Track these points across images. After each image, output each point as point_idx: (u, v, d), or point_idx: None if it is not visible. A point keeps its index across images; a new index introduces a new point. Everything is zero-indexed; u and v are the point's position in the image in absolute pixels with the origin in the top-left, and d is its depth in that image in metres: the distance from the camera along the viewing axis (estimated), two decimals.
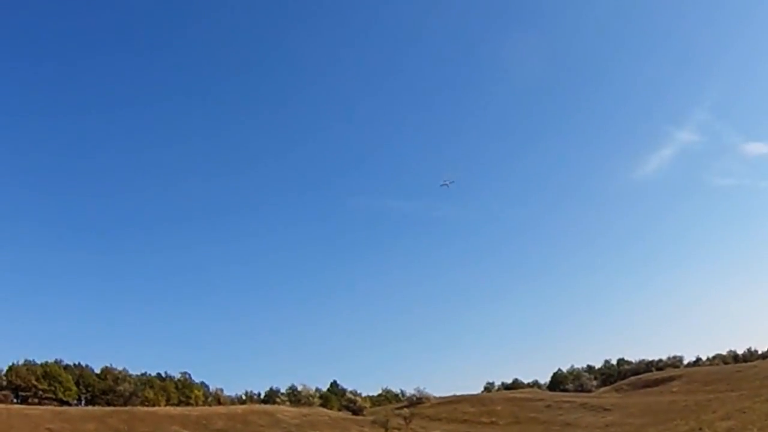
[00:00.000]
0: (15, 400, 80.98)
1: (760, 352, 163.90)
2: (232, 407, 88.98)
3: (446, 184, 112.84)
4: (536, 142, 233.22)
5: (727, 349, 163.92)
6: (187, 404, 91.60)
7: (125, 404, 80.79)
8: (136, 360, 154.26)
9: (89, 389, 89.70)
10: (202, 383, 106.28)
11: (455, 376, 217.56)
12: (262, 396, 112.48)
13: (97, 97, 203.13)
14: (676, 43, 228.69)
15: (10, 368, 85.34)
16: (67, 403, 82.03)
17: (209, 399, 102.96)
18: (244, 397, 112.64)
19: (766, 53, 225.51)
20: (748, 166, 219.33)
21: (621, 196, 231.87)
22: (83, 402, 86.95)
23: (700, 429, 37.72)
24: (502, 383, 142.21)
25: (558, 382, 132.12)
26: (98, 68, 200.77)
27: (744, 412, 45.17)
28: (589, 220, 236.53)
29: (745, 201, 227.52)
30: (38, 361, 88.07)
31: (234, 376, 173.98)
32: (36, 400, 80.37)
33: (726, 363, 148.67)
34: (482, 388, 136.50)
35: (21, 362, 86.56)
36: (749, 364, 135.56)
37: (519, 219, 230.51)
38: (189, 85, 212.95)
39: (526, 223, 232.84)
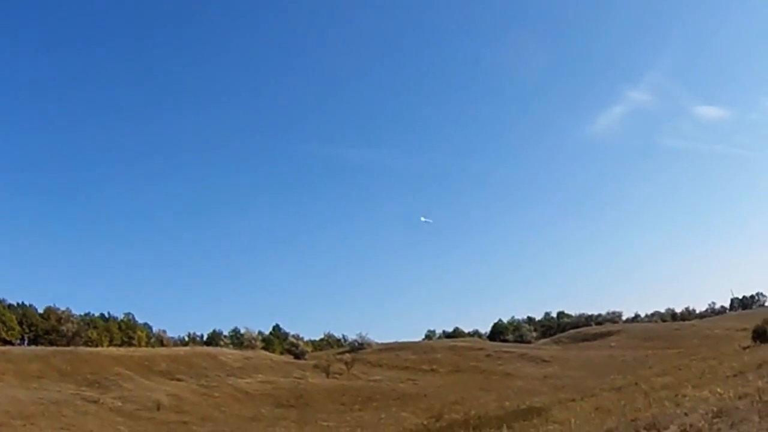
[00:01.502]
0: None
1: (698, 312, 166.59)
2: (175, 349, 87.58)
3: (427, 221, 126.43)
4: (495, 96, 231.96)
5: (666, 307, 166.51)
6: (130, 345, 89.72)
7: (68, 344, 78.76)
8: (80, 300, 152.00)
9: (32, 329, 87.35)
10: (146, 324, 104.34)
11: (397, 323, 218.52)
12: (204, 338, 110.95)
13: None
14: (635, 3, 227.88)
15: None
16: (10, 343, 79.94)
17: (152, 340, 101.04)
18: (187, 339, 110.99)
19: (723, 19, 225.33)
20: (701, 129, 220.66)
21: (571, 152, 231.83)
22: (26, 342, 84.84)
23: (637, 384, 36.91)
24: (444, 332, 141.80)
25: (498, 332, 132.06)
26: None
27: (680, 369, 44.64)
28: (540, 174, 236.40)
29: (695, 163, 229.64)
30: None
31: (177, 317, 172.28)
32: None
33: (664, 321, 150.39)
34: (424, 336, 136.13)
35: None
36: (687, 322, 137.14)
37: (471, 172, 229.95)
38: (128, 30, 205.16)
39: (477, 176, 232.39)
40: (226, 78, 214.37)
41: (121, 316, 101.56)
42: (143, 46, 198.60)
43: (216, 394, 60.58)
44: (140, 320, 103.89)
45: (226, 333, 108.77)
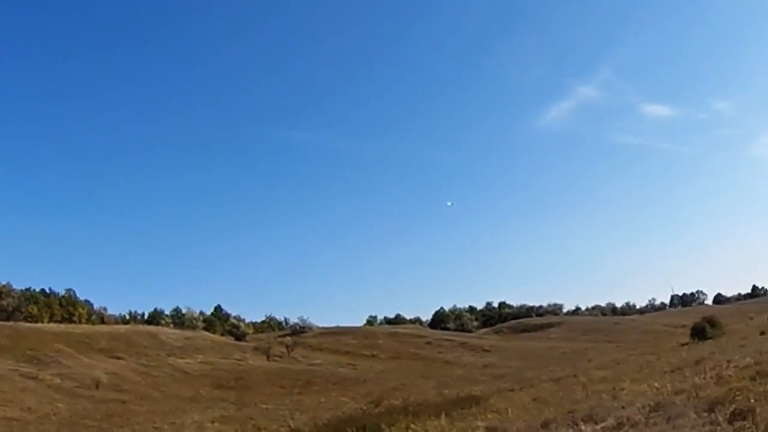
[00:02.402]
0: None
1: (638, 307, 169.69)
2: (116, 327, 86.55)
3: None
4: (447, 84, 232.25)
5: (607, 301, 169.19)
6: (71, 322, 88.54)
7: (8, 319, 77.26)
8: (20, 275, 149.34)
9: None
10: (87, 301, 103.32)
11: (339, 307, 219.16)
12: (145, 317, 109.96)
13: None
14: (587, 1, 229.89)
15: None
16: None
17: (93, 317, 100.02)
18: (128, 317, 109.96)
19: (675, 19, 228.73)
20: (649, 127, 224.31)
21: (519, 145, 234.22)
22: None
23: (575, 376, 37.24)
24: (385, 318, 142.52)
25: (440, 320, 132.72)
26: None
27: (619, 363, 45.21)
28: (487, 165, 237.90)
29: (641, 160, 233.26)
30: None
31: (118, 295, 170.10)
32: None
33: (604, 315, 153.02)
34: (365, 322, 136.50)
35: None
36: (628, 317, 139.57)
37: (420, 159, 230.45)
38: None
39: (425, 163, 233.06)
40: (169, 55, 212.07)
41: (62, 292, 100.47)
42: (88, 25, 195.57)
43: (155, 374, 59.93)
44: (81, 297, 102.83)
45: (167, 312, 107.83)
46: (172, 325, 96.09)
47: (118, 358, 63.76)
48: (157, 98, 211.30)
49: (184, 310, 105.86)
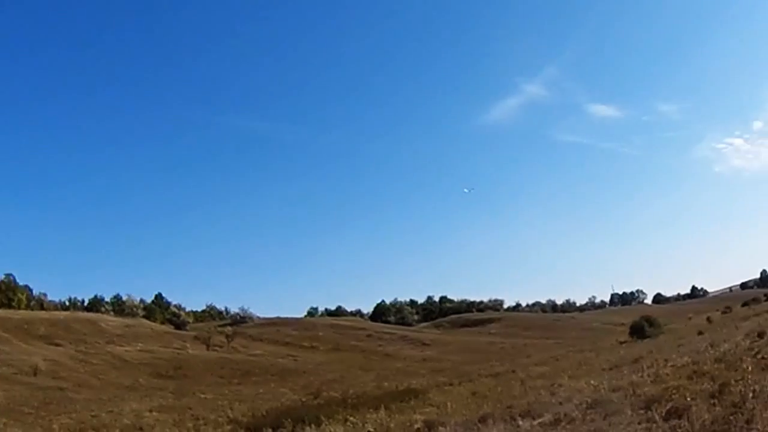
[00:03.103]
0: None
1: (578, 305, 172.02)
2: (55, 313, 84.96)
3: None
4: (391, 77, 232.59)
5: (547, 298, 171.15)
6: (10, 307, 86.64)
7: None
8: None
9: None
10: (26, 287, 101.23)
11: (280, 298, 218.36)
12: (85, 303, 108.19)
13: None
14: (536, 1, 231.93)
15: None
16: None
17: (32, 303, 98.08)
18: (67, 304, 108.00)
19: (623, 22, 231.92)
20: (593, 127, 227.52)
21: (465, 140, 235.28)
22: None
23: (514, 371, 37.55)
24: (326, 310, 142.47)
25: (381, 313, 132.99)
26: None
27: (558, 360, 45.69)
28: (433, 159, 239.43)
29: (585, 159, 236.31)
30: None
31: (58, 281, 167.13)
32: None
33: (545, 311, 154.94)
34: (306, 313, 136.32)
35: None
36: (567, 314, 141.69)
37: (368, 153, 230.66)
38: None
39: (367, 154, 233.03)
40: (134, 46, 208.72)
41: (1, 277, 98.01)
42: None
43: (94, 361, 59.10)
44: (21, 282, 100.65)
45: (108, 299, 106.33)
46: (112, 313, 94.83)
47: (57, 344, 62.74)
48: (97, 84, 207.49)
49: (124, 298, 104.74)
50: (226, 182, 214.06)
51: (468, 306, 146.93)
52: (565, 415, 13.56)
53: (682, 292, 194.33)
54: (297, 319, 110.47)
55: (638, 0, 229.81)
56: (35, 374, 49.46)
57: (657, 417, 11.24)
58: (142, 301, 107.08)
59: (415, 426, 16.88)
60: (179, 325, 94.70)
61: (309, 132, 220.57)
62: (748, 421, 9.23)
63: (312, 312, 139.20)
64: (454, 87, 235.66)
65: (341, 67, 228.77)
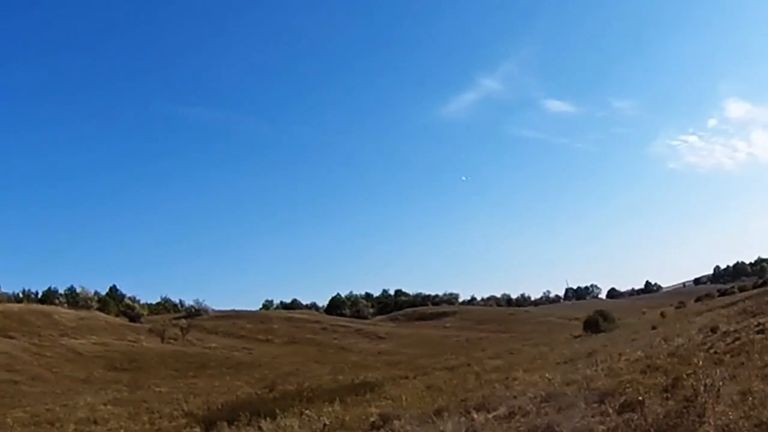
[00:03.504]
0: None
1: (533, 299, 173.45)
2: (8, 305, 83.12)
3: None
4: (365, 74, 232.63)
5: (502, 292, 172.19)
6: None
7: None
8: None
9: None
10: None
11: (235, 291, 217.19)
12: (39, 295, 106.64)
13: None
14: None
15: None
16: None
17: None
18: (21, 296, 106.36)
19: (581, 18, 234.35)
20: (549, 121, 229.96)
21: (422, 133, 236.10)
22: None
23: (469, 365, 37.77)
24: (281, 302, 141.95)
25: (336, 306, 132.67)
26: None
27: (512, 354, 46.03)
28: (389, 151, 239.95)
29: (540, 154, 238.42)
30: None
31: (11, 273, 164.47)
32: None
33: (500, 305, 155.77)
34: (261, 306, 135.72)
35: None
36: (522, 308, 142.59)
37: (322, 144, 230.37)
38: None
39: (324, 147, 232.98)
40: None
41: None
42: None
43: (48, 354, 58.25)
44: None
45: (62, 291, 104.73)
46: (66, 305, 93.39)
47: (10, 337, 61.68)
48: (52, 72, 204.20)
49: (78, 290, 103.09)
50: (183, 175, 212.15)
51: (423, 299, 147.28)
52: (520, 408, 13.66)
53: (637, 287, 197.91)
54: (252, 312, 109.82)
55: None
56: None
57: (611, 410, 11.36)
58: (96, 293, 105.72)
59: (371, 419, 16.89)
60: (134, 318, 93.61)
61: (270, 126, 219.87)
62: (699, 415, 9.36)
63: (267, 305, 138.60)
64: (413, 82, 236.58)
65: (304, 62, 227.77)
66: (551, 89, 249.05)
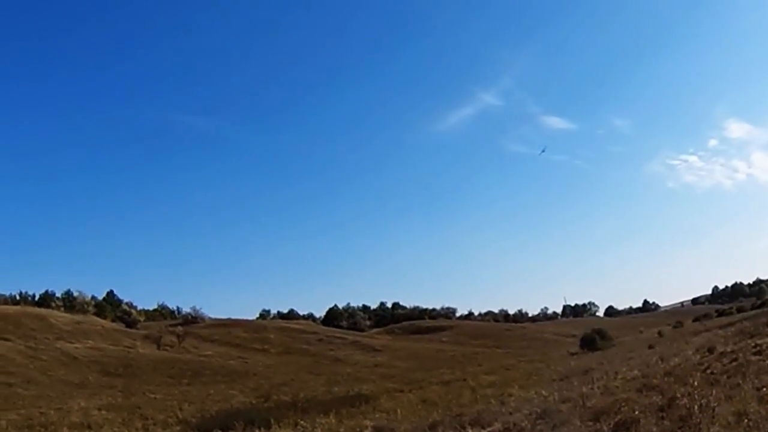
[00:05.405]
0: None
1: (530, 315, 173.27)
2: (4, 307, 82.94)
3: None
4: (354, 87, 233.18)
5: (500, 308, 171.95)
6: None
7: None
8: None
9: None
10: None
11: (232, 299, 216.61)
12: (36, 298, 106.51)
13: None
14: (496, 9, 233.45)
15: None
16: None
17: None
18: (18, 298, 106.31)
19: (580, 35, 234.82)
20: (544, 137, 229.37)
21: (419, 147, 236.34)
22: None
23: (465, 380, 37.72)
24: (278, 312, 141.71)
25: (333, 317, 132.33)
26: None
27: (508, 369, 46.02)
28: (387, 165, 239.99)
29: (537, 171, 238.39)
30: None
31: (8, 275, 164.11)
32: None
33: (496, 321, 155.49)
34: (257, 315, 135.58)
35: None
36: (518, 324, 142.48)
37: (319, 156, 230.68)
38: None
39: (323, 159, 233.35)
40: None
41: None
42: None
43: (43, 357, 58.05)
44: None
45: (58, 295, 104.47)
46: (62, 309, 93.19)
47: (6, 339, 61.50)
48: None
49: (75, 294, 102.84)
50: (180, 182, 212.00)
51: (420, 313, 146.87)
52: (515, 424, 13.64)
53: (634, 306, 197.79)
54: (248, 321, 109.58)
55: (595, 14, 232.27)
56: None
57: (606, 429, 11.34)
58: (93, 297, 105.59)
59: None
60: (130, 324, 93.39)
61: (267, 135, 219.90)
62: None
63: (264, 314, 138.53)
64: (412, 96, 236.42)
65: (298, 71, 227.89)
66: (549, 105, 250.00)
